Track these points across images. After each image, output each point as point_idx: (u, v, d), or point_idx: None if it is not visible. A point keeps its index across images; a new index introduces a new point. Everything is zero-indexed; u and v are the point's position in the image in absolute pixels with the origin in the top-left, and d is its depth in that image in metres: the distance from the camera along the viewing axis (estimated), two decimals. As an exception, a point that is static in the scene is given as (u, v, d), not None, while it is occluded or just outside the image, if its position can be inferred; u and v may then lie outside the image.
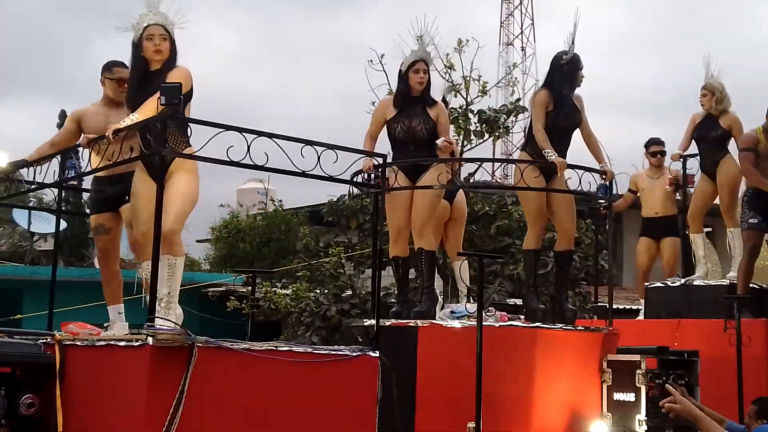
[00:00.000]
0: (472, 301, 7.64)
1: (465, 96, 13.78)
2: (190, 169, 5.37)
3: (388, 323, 6.82)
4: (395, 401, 6.36)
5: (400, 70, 7.11)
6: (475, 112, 13.64)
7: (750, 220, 7.90)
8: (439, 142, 6.95)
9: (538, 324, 6.66)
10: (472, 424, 5.84)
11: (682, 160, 8.88)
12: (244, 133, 5.14)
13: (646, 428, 6.48)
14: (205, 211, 20.92)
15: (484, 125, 13.48)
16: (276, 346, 5.12)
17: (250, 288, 7.33)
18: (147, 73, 5.47)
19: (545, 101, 7.13)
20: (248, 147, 5.12)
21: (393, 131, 7.09)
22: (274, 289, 13.46)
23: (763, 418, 5.83)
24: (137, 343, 4.75)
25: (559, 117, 7.11)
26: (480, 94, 13.82)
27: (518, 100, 14.52)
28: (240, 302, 15.06)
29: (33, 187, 6.30)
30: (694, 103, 8.74)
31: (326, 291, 13.02)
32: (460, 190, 7.92)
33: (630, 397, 6.60)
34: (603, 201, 7.39)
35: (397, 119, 7.06)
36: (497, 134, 13.94)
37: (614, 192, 7.27)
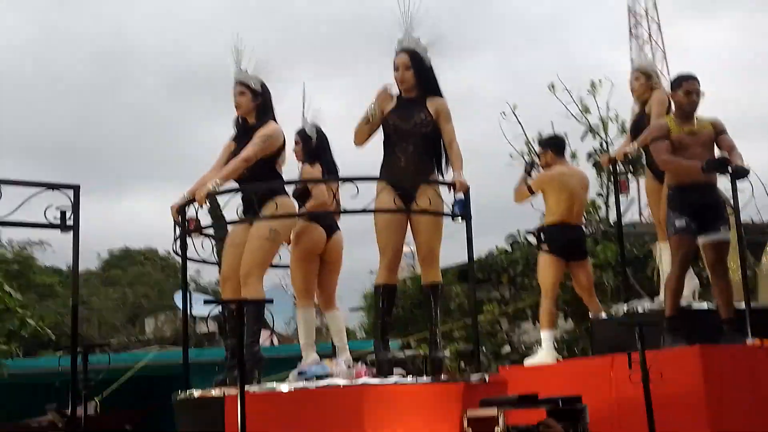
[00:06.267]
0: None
1: (605, 137, 13.41)
2: None
3: (197, 395, 5.65)
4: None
5: None
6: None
7: (676, 223, 6.24)
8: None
9: (364, 380, 5.34)
10: None
11: None
12: None
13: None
14: (357, 279, 20.87)
15: (629, 166, 12.27)
16: None
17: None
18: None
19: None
20: None
21: None
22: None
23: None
24: None
25: (396, 120, 5.92)
26: (619, 133, 13.02)
27: None
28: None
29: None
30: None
31: (484, 349, 13.10)
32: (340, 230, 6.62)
33: (493, 462, 5.17)
34: (462, 218, 5.94)
35: None
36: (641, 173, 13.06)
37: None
